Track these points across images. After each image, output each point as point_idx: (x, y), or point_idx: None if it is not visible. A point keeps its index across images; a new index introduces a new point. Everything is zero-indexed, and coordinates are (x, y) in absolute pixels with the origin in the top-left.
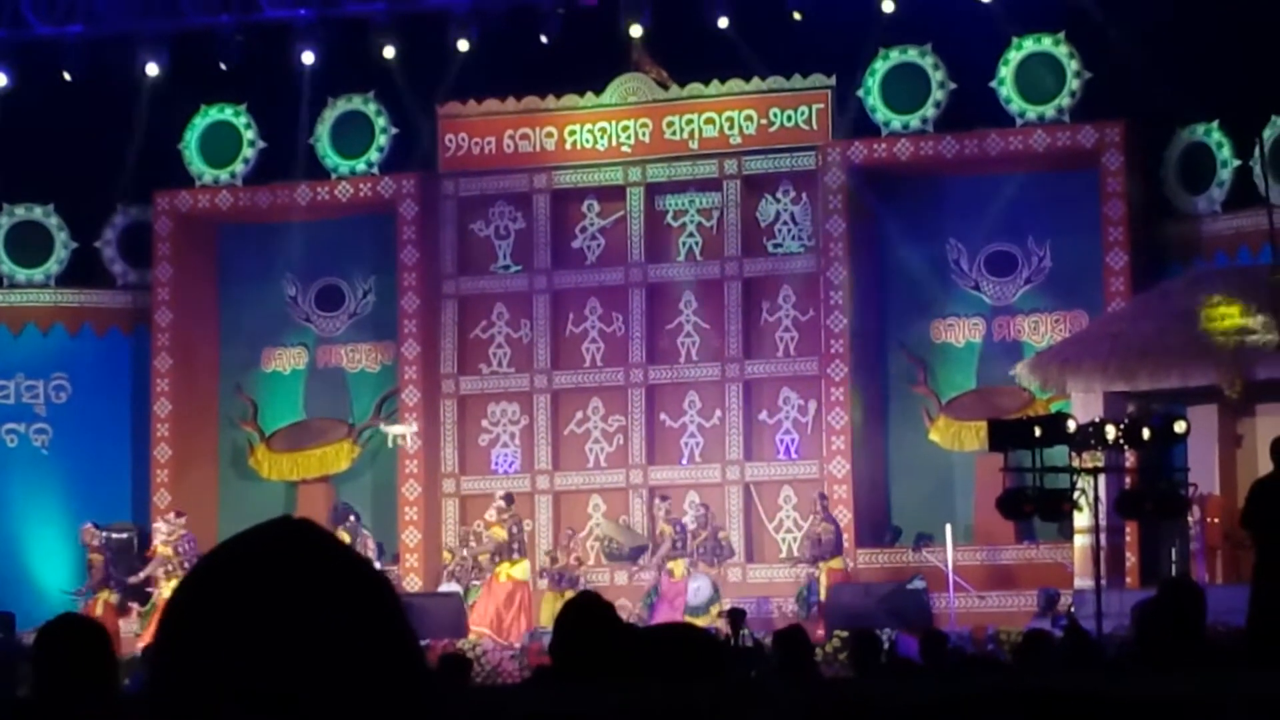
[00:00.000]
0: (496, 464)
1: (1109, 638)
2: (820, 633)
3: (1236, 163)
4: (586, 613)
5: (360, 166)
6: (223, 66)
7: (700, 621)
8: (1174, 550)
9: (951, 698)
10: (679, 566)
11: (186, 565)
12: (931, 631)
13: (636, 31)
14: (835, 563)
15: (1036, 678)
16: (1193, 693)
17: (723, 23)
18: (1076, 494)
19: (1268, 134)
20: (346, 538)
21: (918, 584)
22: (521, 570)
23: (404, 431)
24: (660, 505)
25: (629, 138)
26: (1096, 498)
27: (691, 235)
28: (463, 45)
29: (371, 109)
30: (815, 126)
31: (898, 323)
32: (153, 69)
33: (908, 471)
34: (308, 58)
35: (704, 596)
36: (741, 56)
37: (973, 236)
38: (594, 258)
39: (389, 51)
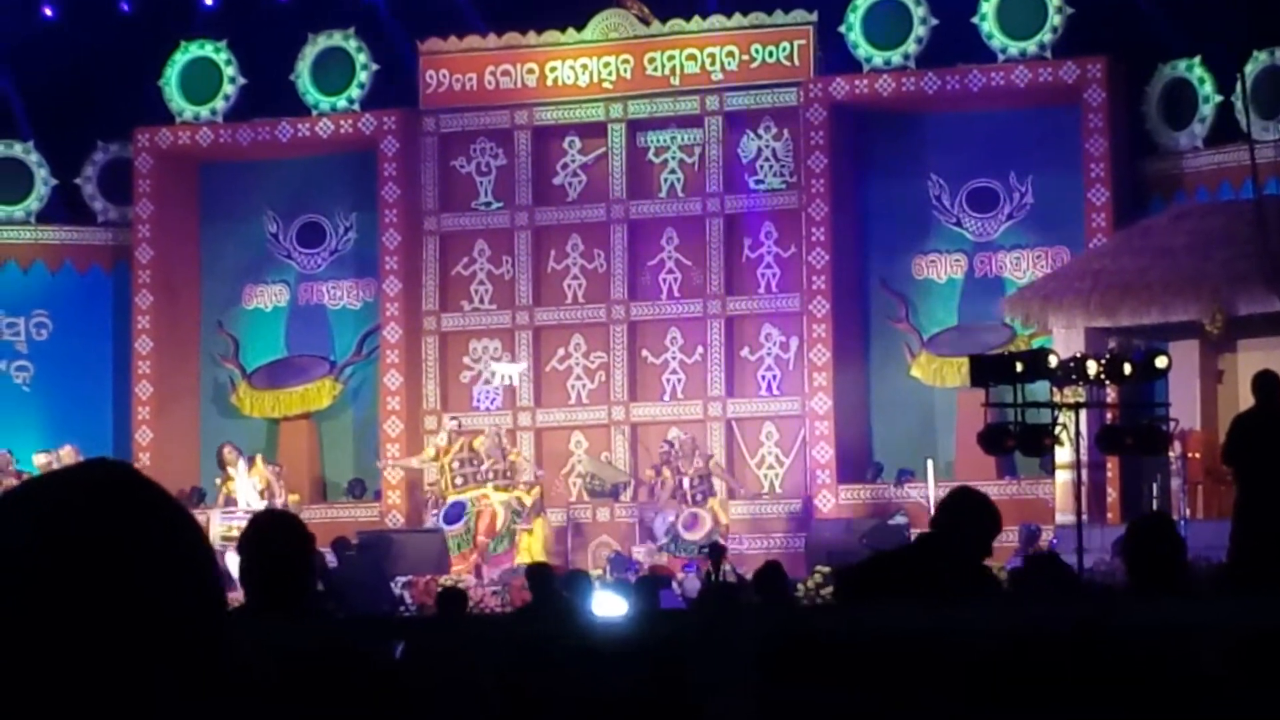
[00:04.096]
0: (478, 401)
1: (1089, 573)
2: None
3: (1218, 98)
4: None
5: (341, 103)
6: (203, 3)
7: (681, 557)
8: (1155, 486)
9: (936, 629)
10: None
11: None
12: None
13: None
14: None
15: (1017, 611)
16: (1174, 623)
17: None
18: (1058, 429)
19: (1249, 69)
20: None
21: (899, 520)
22: None
23: (513, 370)
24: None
25: (610, 74)
26: (1078, 433)
27: (673, 172)
28: None
29: (352, 45)
30: (797, 63)
31: (879, 259)
32: (133, 4)
33: (889, 407)
34: None
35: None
36: None
37: (954, 173)
38: (575, 194)
39: None
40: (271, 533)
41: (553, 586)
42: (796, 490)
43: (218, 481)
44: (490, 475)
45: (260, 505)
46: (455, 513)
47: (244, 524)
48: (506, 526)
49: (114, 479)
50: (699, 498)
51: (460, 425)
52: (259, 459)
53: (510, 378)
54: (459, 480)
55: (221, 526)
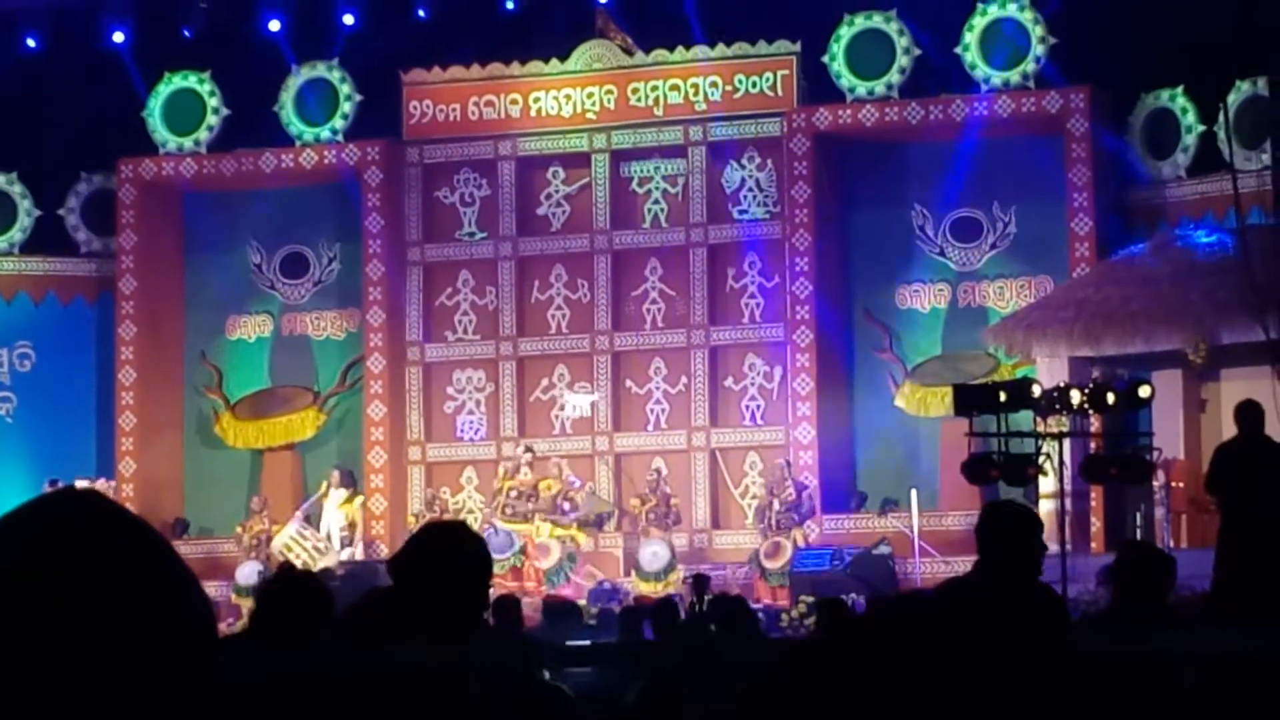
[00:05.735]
0: (462, 431)
1: (1074, 602)
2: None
3: (1201, 128)
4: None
5: (325, 134)
6: (186, 34)
7: (657, 587)
8: (1139, 515)
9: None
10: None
11: None
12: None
13: None
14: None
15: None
16: (1158, 652)
17: None
18: (1042, 459)
19: (1232, 99)
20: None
21: (883, 549)
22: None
23: (584, 401)
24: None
25: (594, 104)
26: (1061, 462)
27: (657, 202)
28: (426, 12)
29: (336, 76)
30: (780, 93)
31: (863, 289)
32: (117, 36)
33: (873, 437)
34: (273, 25)
35: (662, 562)
36: (706, 23)
37: (938, 202)
38: (559, 224)
39: (349, 19)
40: (290, 592)
41: (518, 624)
42: None
43: (320, 489)
44: (542, 511)
45: (335, 539)
46: (500, 545)
47: (301, 551)
48: (560, 564)
49: (83, 508)
50: (787, 523)
51: (535, 456)
52: (359, 499)
53: (579, 408)
54: (508, 510)
55: (281, 540)
